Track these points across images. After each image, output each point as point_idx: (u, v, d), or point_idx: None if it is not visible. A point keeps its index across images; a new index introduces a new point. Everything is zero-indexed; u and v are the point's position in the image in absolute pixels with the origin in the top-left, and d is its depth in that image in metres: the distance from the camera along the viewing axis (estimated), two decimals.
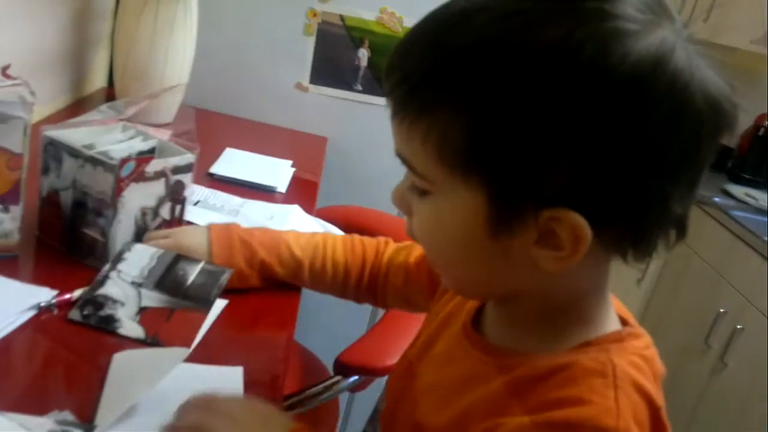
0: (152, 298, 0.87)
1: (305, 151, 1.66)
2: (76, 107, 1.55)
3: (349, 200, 1.53)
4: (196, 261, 0.93)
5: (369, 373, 1.17)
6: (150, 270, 0.91)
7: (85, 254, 0.94)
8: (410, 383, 0.71)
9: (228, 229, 0.98)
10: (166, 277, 0.90)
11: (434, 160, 0.52)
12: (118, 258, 0.92)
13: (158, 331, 0.83)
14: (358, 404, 1.79)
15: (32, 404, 0.67)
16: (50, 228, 0.97)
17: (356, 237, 1.00)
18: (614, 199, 0.49)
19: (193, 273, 0.91)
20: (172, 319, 0.86)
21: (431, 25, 0.52)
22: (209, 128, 1.63)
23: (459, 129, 0.50)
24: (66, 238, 0.96)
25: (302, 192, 1.39)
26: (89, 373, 0.76)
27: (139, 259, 0.92)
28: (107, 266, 0.91)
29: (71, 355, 0.79)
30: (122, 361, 0.77)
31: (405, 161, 0.56)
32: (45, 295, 0.84)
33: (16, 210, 0.90)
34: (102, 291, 0.87)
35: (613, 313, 0.60)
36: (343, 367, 1.15)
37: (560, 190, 0.49)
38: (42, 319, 0.82)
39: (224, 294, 0.91)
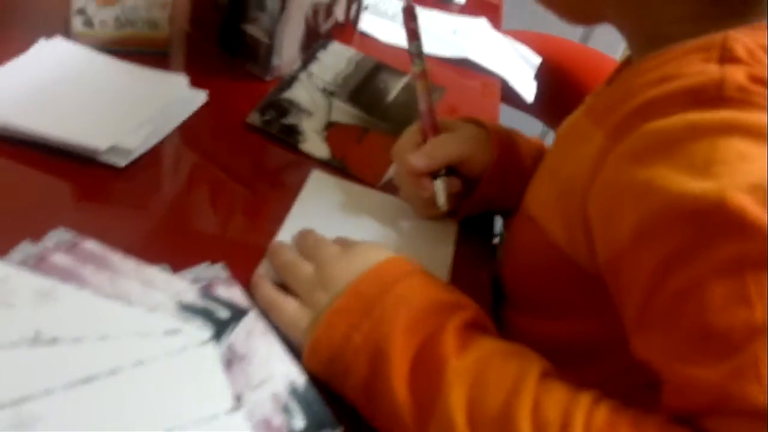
0: (344, 112, 0.69)
1: None
2: None
3: (536, 26, 1.25)
4: (401, 73, 0.73)
5: None
6: (345, 77, 0.72)
7: (246, 57, 0.76)
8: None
9: None
10: (364, 89, 0.71)
11: None
12: (311, 57, 0.73)
13: (347, 153, 0.65)
14: None
15: (175, 248, 0.51)
16: (204, 23, 0.78)
17: None
18: None
19: (395, 88, 0.71)
20: (363, 142, 0.68)
21: None
22: None
23: None
24: (223, 37, 0.78)
25: (484, 9, 1.13)
26: (262, 198, 0.60)
27: (335, 61, 0.73)
28: (297, 65, 0.72)
29: (238, 170, 0.62)
30: (319, 182, 0.61)
31: None
32: (200, 97, 0.67)
33: None
34: (288, 94, 0.69)
35: None
36: None
37: None
38: (205, 120, 0.65)
39: None
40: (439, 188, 0.57)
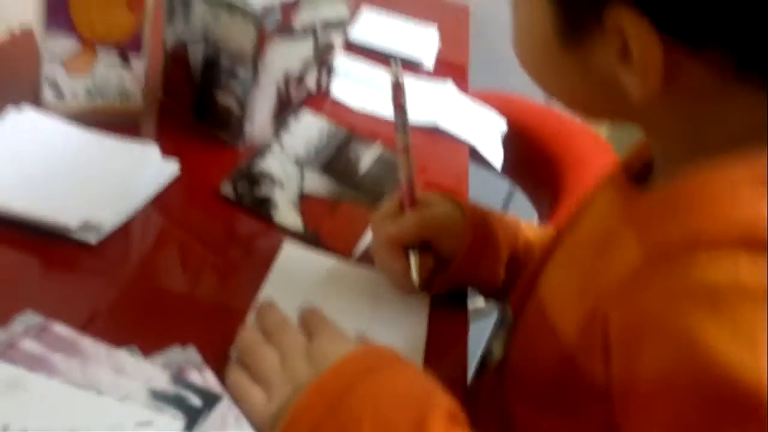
0: (317, 183, 0.70)
1: (446, 22, 1.41)
2: None
3: (498, 84, 1.29)
4: (372, 143, 0.74)
5: None
6: (317, 148, 0.73)
7: (218, 125, 0.77)
8: (550, 253, 0.55)
9: None
10: (336, 160, 0.72)
11: None
12: (284, 126, 0.74)
13: (319, 225, 0.66)
14: None
15: (147, 326, 0.51)
16: (177, 91, 0.79)
17: None
18: None
19: (367, 158, 0.72)
20: (336, 213, 0.69)
21: None
22: None
23: None
24: (195, 105, 0.78)
25: (451, 71, 1.16)
26: (236, 271, 0.60)
27: (307, 132, 0.74)
28: (270, 134, 0.73)
29: (211, 242, 0.63)
30: (290, 254, 0.61)
31: None
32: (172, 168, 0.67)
33: (139, 64, 0.72)
34: (260, 165, 0.70)
35: None
36: None
37: None
38: (177, 190, 0.66)
39: None
40: (413, 261, 0.58)
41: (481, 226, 0.61)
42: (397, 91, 0.60)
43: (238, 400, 0.45)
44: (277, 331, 0.50)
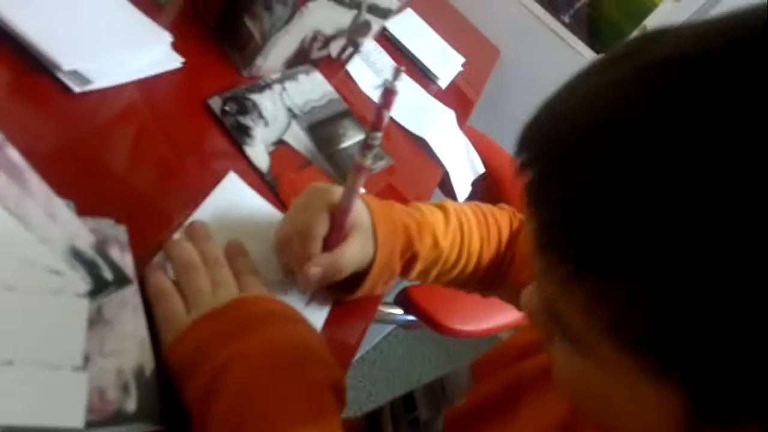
0: (298, 138, 0.72)
1: (475, 56, 1.45)
2: None
3: (492, 132, 1.34)
4: (362, 127, 0.77)
5: (430, 323, 1.07)
6: (313, 108, 0.75)
7: (234, 47, 0.78)
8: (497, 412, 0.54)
9: (390, 209, 0.63)
10: (324, 126, 0.74)
11: (602, 331, 0.33)
12: (292, 75, 0.76)
13: (282, 174, 0.68)
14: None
15: (89, 190, 0.53)
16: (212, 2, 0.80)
17: (488, 213, 0.73)
18: None
19: (352, 139, 0.75)
20: (303, 173, 0.71)
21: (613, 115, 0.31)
22: None
23: (646, 305, 0.30)
24: (223, 20, 0.80)
25: (458, 100, 1.20)
26: (188, 179, 0.62)
27: (311, 89, 0.76)
28: (277, 75, 0.75)
29: (178, 143, 0.64)
30: (233, 185, 0.63)
31: (553, 312, 0.36)
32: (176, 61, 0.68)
33: None
34: (256, 97, 0.71)
35: None
36: (407, 302, 1.05)
37: None
38: (170, 83, 0.67)
39: None
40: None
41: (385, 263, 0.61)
42: (387, 96, 0.51)
43: (158, 300, 0.48)
44: (213, 261, 0.52)
